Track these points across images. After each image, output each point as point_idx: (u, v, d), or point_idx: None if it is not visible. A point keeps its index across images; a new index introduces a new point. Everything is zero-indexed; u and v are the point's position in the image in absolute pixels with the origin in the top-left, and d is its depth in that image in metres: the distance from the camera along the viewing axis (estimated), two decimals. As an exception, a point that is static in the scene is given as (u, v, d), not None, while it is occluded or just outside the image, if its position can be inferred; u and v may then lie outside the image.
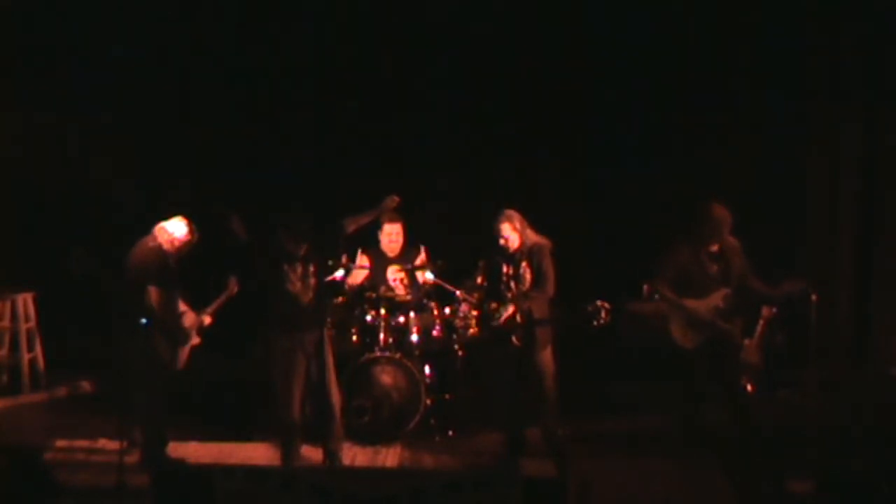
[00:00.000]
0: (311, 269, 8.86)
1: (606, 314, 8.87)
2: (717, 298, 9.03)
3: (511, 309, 9.01)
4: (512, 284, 9.06)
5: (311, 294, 8.83)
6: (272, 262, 8.85)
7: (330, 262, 9.49)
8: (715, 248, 9.06)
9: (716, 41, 11.40)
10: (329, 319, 9.40)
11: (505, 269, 9.08)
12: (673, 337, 9.12)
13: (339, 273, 9.92)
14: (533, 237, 9.07)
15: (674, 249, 9.16)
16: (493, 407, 9.74)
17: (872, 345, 10.92)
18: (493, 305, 9.12)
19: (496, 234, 8.99)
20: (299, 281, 8.82)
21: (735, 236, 9.09)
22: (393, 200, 9.18)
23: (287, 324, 8.82)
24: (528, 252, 9.04)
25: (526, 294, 9.02)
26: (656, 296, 9.18)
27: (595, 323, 8.90)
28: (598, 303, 8.90)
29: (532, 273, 9.04)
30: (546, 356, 9.03)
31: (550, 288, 9.03)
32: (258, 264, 8.95)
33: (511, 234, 9.00)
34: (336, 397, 8.90)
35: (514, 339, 9.03)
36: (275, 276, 8.84)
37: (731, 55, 11.40)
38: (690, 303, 9.06)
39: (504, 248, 9.02)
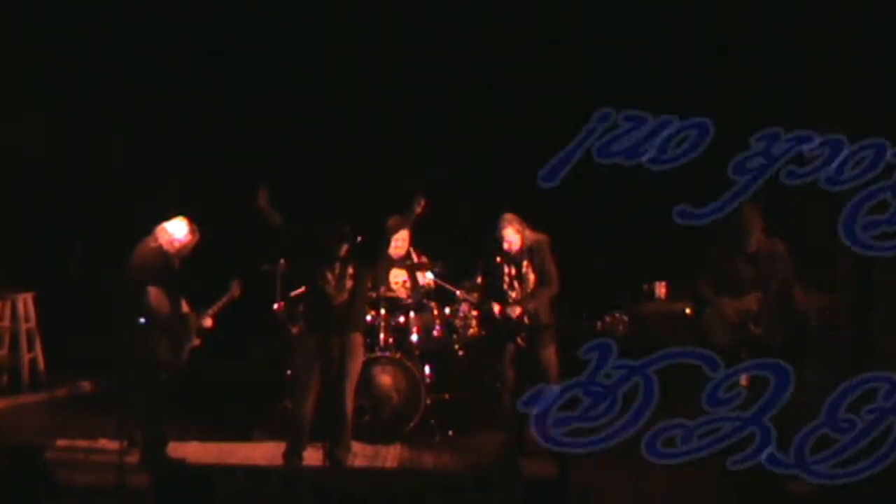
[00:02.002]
0: (350, 271, 8.82)
1: (624, 326, 8.84)
2: (749, 301, 9.01)
3: (518, 310, 9.02)
4: (516, 284, 9.07)
5: (345, 296, 8.78)
6: (310, 258, 8.83)
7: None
8: (751, 250, 9.02)
9: (715, 42, 11.40)
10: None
11: (507, 269, 9.09)
12: (708, 334, 9.08)
13: None
14: (531, 235, 9.08)
15: (714, 249, 9.14)
16: (494, 407, 9.76)
17: (873, 345, 10.91)
18: (496, 307, 9.12)
19: (500, 239, 9.00)
20: (335, 281, 8.79)
21: (782, 239, 9.05)
22: (420, 202, 9.13)
23: (316, 323, 8.80)
24: (528, 251, 9.06)
25: (533, 294, 9.03)
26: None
27: (614, 336, 8.87)
28: (617, 315, 8.86)
29: (535, 271, 9.06)
30: (549, 355, 9.05)
31: (555, 284, 9.06)
32: (292, 251, 8.94)
33: (514, 237, 9.02)
34: (350, 406, 8.87)
35: (518, 339, 9.04)
36: (311, 272, 8.82)
37: (732, 56, 11.40)
38: (724, 302, 9.04)
39: (506, 251, 9.03)
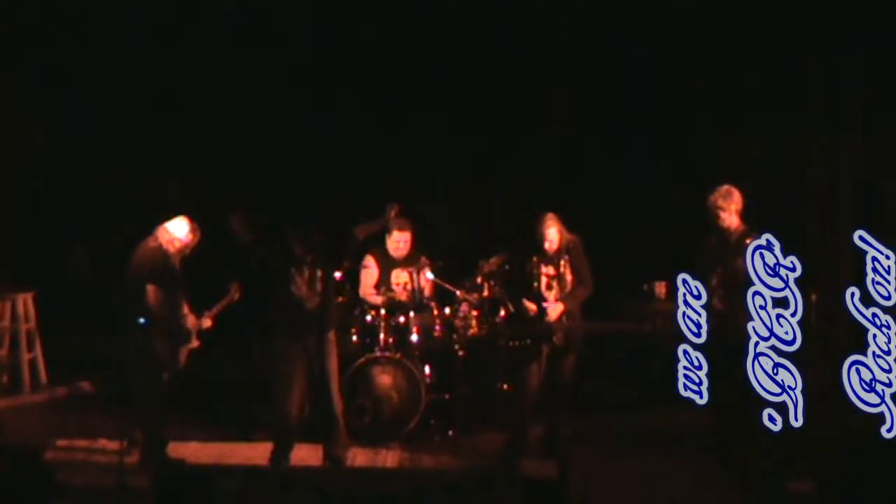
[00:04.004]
0: (319, 274, 8.85)
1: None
2: (714, 275, 8.91)
3: (562, 307, 9.01)
4: (554, 285, 9.05)
5: (316, 299, 8.82)
6: (279, 264, 8.85)
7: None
8: (724, 236, 8.95)
9: (717, 44, 11.39)
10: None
11: (544, 269, 9.06)
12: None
13: (337, 274, 9.90)
14: (567, 235, 9.09)
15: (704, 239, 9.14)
16: (495, 406, 9.77)
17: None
18: (531, 307, 9.07)
19: (541, 238, 8.98)
20: (305, 285, 8.82)
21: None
22: (393, 208, 9.15)
23: (290, 327, 8.82)
24: (565, 251, 9.05)
25: (572, 294, 9.04)
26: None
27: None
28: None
29: (572, 271, 9.06)
30: (574, 358, 9.08)
31: (591, 284, 9.09)
32: (266, 264, 8.94)
33: (556, 236, 9.01)
34: (339, 403, 8.88)
35: (555, 339, 9.03)
36: (281, 278, 8.84)
37: (732, 57, 11.40)
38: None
39: (546, 251, 9.02)
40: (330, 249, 8.94)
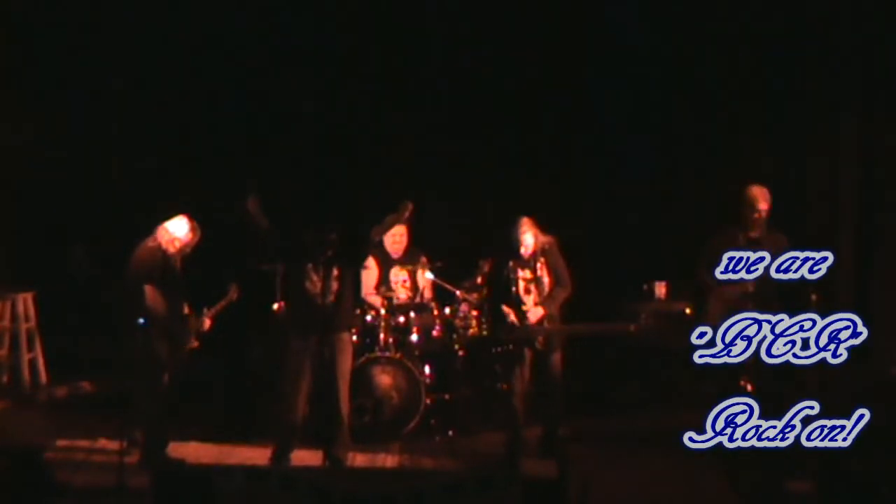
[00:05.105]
0: (335, 272, 8.84)
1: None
2: (746, 284, 8.92)
3: (542, 312, 9.00)
4: (532, 288, 9.04)
5: (331, 297, 8.80)
6: (296, 258, 8.84)
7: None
8: (755, 234, 9.00)
9: (717, 42, 11.39)
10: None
11: (521, 274, 9.05)
12: (709, 321, 9.00)
13: None
14: (542, 237, 9.08)
15: (716, 233, 9.14)
16: (495, 407, 9.76)
17: (873, 345, 10.91)
18: (512, 316, 9.06)
19: (517, 243, 8.96)
20: (321, 282, 8.80)
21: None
22: (407, 207, 9.14)
23: (301, 323, 8.82)
24: (541, 253, 9.04)
25: (551, 296, 9.03)
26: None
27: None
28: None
29: (550, 274, 9.05)
30: (559, 357, 9.07)
31: (570, 285, 9.08)
32: (280, 254, 8.94)
33: (531, 240, 9.00)
34: (345, 405, 8.86)
35: (537, 343, 9.02)
36: (297, 273, 8.84)
37: (732, 55, 11.40)
38: (723, 286, 9.01)
39: (522, 255, 9.01)
40: (346, 249, 8.92)
